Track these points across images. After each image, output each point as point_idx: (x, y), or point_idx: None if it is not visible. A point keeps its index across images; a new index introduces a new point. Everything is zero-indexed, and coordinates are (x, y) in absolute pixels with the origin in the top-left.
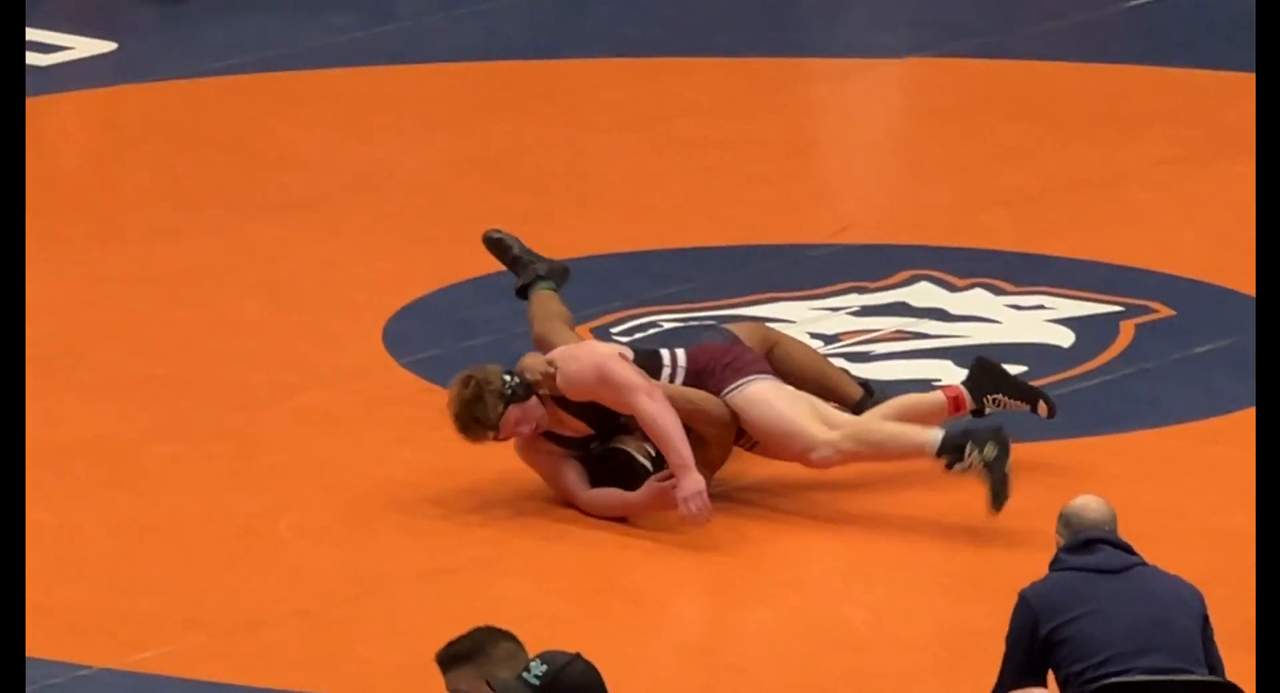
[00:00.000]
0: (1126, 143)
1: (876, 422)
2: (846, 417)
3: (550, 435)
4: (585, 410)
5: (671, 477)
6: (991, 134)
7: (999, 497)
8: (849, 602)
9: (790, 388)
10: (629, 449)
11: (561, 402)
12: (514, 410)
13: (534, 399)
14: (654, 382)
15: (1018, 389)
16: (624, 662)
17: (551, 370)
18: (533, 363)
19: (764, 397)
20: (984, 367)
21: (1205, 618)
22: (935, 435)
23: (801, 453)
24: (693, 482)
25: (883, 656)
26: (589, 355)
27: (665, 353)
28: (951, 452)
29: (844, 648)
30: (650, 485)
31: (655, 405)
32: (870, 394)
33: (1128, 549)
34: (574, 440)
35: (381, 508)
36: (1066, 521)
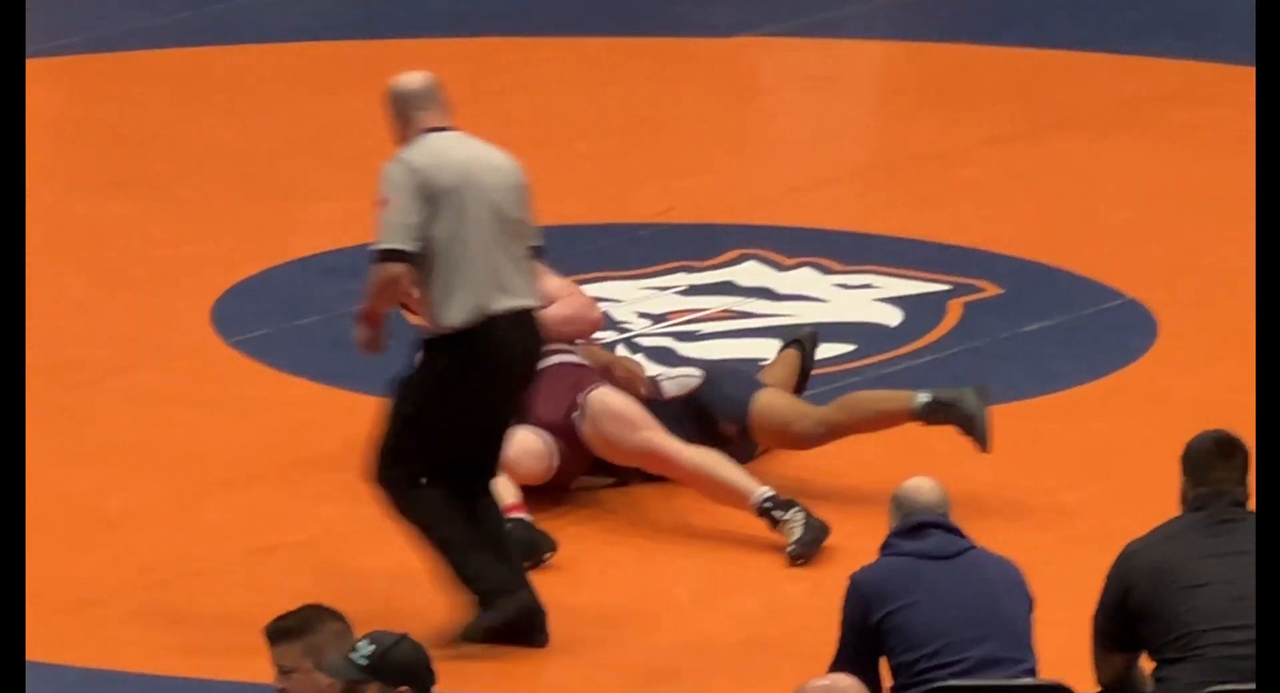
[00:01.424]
0: (954, 121)
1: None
2: None
3: None
4: None
5: None
6: (819, 112)
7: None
8: (676, 580)
9: None
10: None
11: None
12: None
13: None
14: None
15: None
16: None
17: None
18: None
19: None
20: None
21: (1032, 601)
22: (763, 492)
23: (643, 435)
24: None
25: (710, 632)
26: None
27: None
28: None
29: (671, 625)
30: None
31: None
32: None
33: (958, 533)
34: None
35: (211, 486)
36: (899, 503)
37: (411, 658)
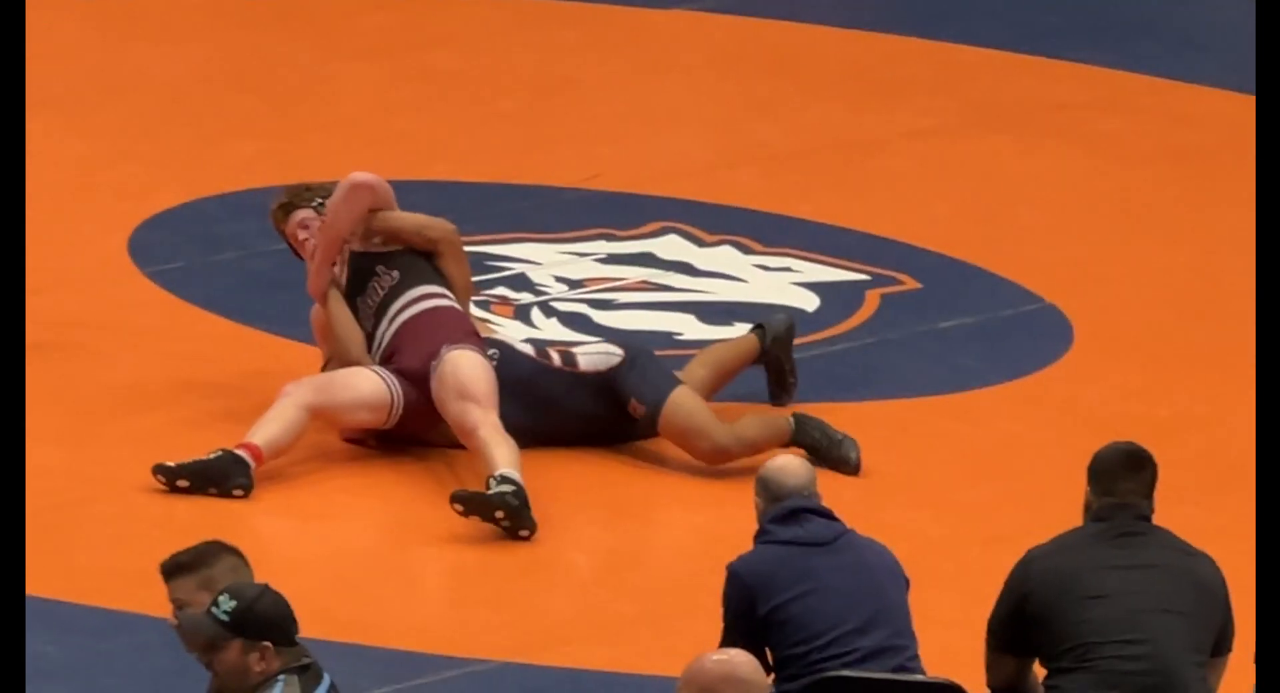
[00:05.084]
0: (882, 110)
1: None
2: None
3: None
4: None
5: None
6: (746, 91)
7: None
8: (575, 546)
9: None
10: None
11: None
12: (307, 212)
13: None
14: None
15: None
16: (332, 589)
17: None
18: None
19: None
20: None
21: (908, 582)
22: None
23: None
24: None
25: (603, 602)
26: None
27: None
28: None
29: (566, 592)
30: None
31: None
32: None
33: (831, 516)
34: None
35: (110, 413)
36: (765, 484)
37: (274, 611)
